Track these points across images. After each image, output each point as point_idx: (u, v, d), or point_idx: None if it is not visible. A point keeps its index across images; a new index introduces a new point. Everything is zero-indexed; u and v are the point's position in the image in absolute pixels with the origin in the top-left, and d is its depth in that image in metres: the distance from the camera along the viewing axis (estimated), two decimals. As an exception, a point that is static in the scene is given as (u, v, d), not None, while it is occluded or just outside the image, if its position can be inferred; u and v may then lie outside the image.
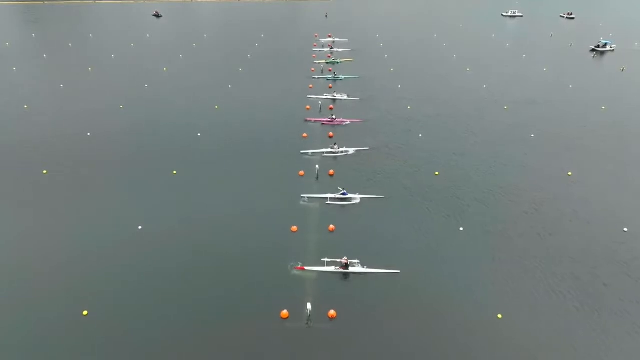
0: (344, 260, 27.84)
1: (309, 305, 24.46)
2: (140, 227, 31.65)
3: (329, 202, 34.79)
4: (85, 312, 24.75)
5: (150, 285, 26.79)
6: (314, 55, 75.53)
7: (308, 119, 49.84)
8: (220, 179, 38.06)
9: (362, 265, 28.04)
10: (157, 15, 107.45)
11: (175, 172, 39.03)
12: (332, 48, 79.37)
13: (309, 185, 36.95)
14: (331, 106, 53.49)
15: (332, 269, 27.90)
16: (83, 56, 74.56)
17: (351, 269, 27.84)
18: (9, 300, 25.68)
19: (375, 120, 49.55)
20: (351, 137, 45.29)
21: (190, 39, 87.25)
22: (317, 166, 38.91)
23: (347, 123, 48.87)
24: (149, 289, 26.60)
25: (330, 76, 64.17)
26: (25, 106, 52.90)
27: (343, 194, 35.05)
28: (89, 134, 45.99)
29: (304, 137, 45.79)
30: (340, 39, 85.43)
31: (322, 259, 28.19)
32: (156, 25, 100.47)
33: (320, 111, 52.00)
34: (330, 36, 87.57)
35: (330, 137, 45.72)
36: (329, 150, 42.36)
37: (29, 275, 27.45)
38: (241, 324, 24.31)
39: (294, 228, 31.70)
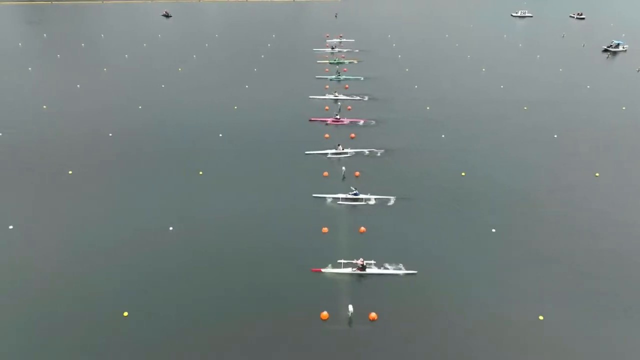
0: (359, 262, 27.72)
1: (350, 307, 24.37)
2: (171, 228, 31.58)
3: (340, 202, 34.73)
4: (125, 314, 24.69)
5: (186, 286, 26.72)
6: (326, 56, 75.36)
7: (313, 119, 49.72)
8: (243, 179, 38.05)
9: (379, 267, 27.91)
10: (167, 15, 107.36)
11: (201, 172, 38.97)
12: (333, 49, 78.83)
13: (335, 186, 36.78)
14: (349, 107, 53.35)
15: (348, 270, 27.75)
16: (96, 56, 74.54)
17: (368, 270, 27.67)
18: (49, 304, 25.56)
19: (395, 121, 49.40)
20: (372, 138, 45.25)
21: (201, 39, 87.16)
22: (343, 168, 38.79)
23: (360, 123, 48.87)
24: (184, 289, 26.53)
25: (333, 76, 64.00)
26: (44, 106, 52.86)
27: (355, 194, 34.98)
28: (110, 134, 45.91)
29: (326, 137, 45.69)
30: (347, 39, 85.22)
31: (338, 261, 28.12)
32: (166, 26, 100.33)
33: (339, 111, 51.87)
34: (341, 37, 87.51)
35: (352, 137, 45.65)
36: (334, 151, 42.14)
37: (67, 278, 27.41)
38: (282, 326, 24.22)
39: (325, 229, 31.64)
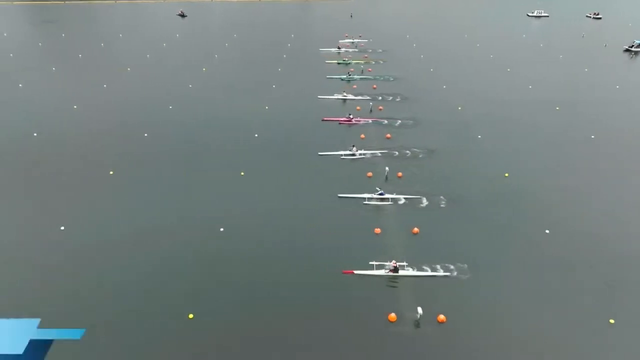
0: (392, 264, 27.53)
1: (419, 310, 24.16)
2: (222, 229, 31.41)
3: (366, 202, 34.54)
4: (191, 316, 24.52)
5: (246, 288, 26.51)
6: (350, 56, 75.21)
7: (326, 119, 49.59)
8: (276, 180, 37.83)
9: (412, 268, 27.67)
10: (182, 15, 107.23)
11: (243, 173, 38.80)
12: (340, 49, 78.50)
13: (361, 187, 36.54)
14: (381, 107, 53.15)
15: (381, 272, 27.53)
16: (118, 56, 74.43)
17: (401, 272, 27.44)
18: (117, 309, 25.37)
19: (429, 121, 49.18)
20: (408, 138, 45.08)
21: (220, 38, 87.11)
22: (386, 168, 38.60)
23: (369, 122, 48.96)
24: (244, 291, 26.33)
25: (344, 76, 63.83)
26: (75, 106, 52.71)
27: (380, 194, 34.84)
28: (145, 134, 45.74)
29: (362, 138, 45.51)
30: (360, 39, 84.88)
31: (370, 262, 27.92)
32: (183, 25, 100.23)
33: (370, 112, 51.74)
34: (360, 36, 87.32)
35: (388, 138, 45.48)
36: (347, 152, 41.88)
37: (129, 282, 27.23)
38: (349, 327, 24.05)
39: (378, 230, 31.47)
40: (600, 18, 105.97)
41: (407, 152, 42.46)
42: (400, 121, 49.03)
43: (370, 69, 67.79)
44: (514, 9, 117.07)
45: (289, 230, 31.57)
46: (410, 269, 27.67)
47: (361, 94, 56.97)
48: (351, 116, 49.50)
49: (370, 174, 38.82)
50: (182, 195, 35.54)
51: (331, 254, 29.16)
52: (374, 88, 59.80)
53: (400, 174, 38.64)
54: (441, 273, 27.46)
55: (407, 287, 26.73)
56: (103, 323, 23.93)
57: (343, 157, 41.71)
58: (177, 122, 48.82)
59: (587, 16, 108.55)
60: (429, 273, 27.49)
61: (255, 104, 53.60)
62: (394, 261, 27.68)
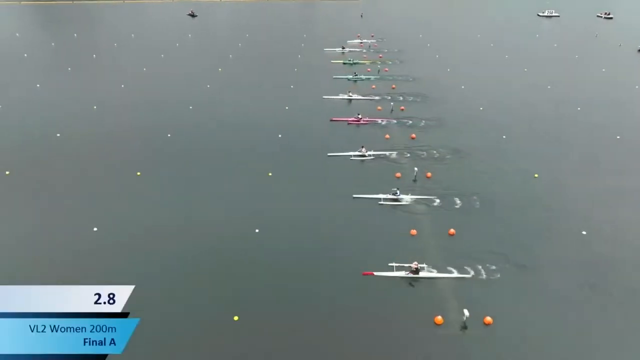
0: (414, 265, 27.27)
1: (466, 312, 23.94)
2: (257, 230, 31.20)
3: (381, 203, 34.36)
4: (236, 318, 24.32)
5: (284, 290, 26.32)
6: (365, 56, 75.06)
7: (334, 119, 49.36)
8: (304, 180, 37.65)
9: (434, 270, 27.43)
10: (192, 15, 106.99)
11: (270, 174, 38.58)
12: (344, 48, 78.16)
13: (409, 187, 36.46)
14: (402, 107, 52.91)
15: (402, 274, 27.28)
16: (132, 56, 74.17)
17: (422, 274, 27.20)
18: (164, 312, 25.11)
19: (452, 121, 48.97)
20: (432, 138, 44.89)
21: (232, 38, 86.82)
22: (415, 168, 38.39)
23: (383, 122, 48.94)
24: (280, 293, 26.15)
25: (350, 76, 63.57)
26: (95, 107, 52.51)
27: (395, 193, 34.70)
28: (169, 135, 45.52)
29: (387, 138, 45.34)
30: (368, 40, 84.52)
31: (390, 264, 27.70)
32: (193, 25, 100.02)
33: (391, 112, 51.57)
34: (373, 36, 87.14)
35: (413, 138, 45.29)
36: (357, 153, 41.59)
37: (166, 284, 27.05)
38: (394, 330, 23.89)
39: (414, 232, 31.27)
40: (611, 18, 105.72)
41: (434, 152, 42.17)
42: (424, 121, 48.74)
43: (386, 69, 67.58)
44: (524, 9, 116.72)
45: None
46: (435, 271, 27.42)
47: (369, 94, 56.78)
48: (360, 116, 49.24)
49: (398, 174, 38.62)
50: (212, 197, 35.35)
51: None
52: (393, 88, 59.57)
53: (429, 174, 38.42)
54: (467, 275, 27.18)
55: (440, 289, 26.53)
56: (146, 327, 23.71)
57: (353, 158, 41.43)
58: (199, 123, 48.59)
59: (597, 16, 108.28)
60: (455, 275, 27.22)
61: (275, 104, 53.40)
62: (415, 262, 27.45)
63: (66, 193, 35.60)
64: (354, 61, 71.35)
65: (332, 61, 72.02)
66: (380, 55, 74.98)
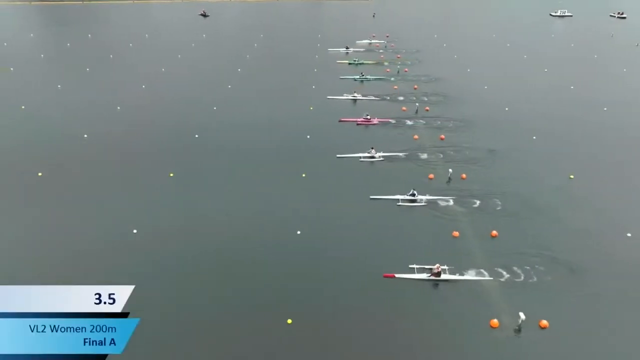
0: (436, 267, 27.07)
1: (522, 315, 23.69)
2: (299, 232, 30.96)
3: (399, 204, 34.17)
4: (289, 321, 24.09)
5: (334, 293, 26.10)
6: (382, 56, 74.87)
7: (343, 119, 49.16)
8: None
9: (454, 273, 27.20)
10: (204, 15, 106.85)
11: (304, 174, 38.37)
12: (347, 49, 77.98)
13: (443, 189, 36.27)
14: (427, 108, 52.67)
15: (423, 276, 27.05)
16: (148, 56, 74.00)
17: (443, 277, 26.97)
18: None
19: (479, 121, 48.70)
20: (461, 139, 44.68)
21: (247, 39, 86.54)
22: (450, 170, 38.14)
23: (393, 122, 48.82)
24: (330, 296, 25.93)
25: (357, 77, 63.31)
26: (118, 107, 52.30)
27: (412, 194, 34.50)
28: (196, 135, 45.33)
29: (415, 139, 45.12)
30: (383, 40, 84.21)
31: (410, 266, 27.52)
32: (206, 25, 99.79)
33: (416, 112, 51.33)
34: (388, 36, 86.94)
35: (442, 139, 45.05)
36: (366, 155, 41.28)
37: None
38: (450, 333, 23.68)
39: (456, 233, 31.03)
40: (625, 17, 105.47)
41: (464, 152, 42.02)
42: (453, 122, 48.42)
43: (406, 69, 67.33)
44: (536, 9, 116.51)
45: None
46: (458, 273, 27.20)
47: (374, 94, 56.57)
48: (368, 116, 49.00)
49: (431, 175, 38.39)
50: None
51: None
52: (416, 89, 59.33)
53: (464, 175, 38.17)
54: (517, 278, 26.86)
55: (487, 292, 26.24)
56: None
57: (362, 159, 41.12)
58: (224, 123, 48.34)
59: (611, 15, 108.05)
60: (486, 277, 26.96)
61: (298, 105, 53.22)
62: (437, 265, 27.24)
63: (99, 195, 35.38)
64: (359, 61, 71.08)
65: (337, 61, 71.80)
66: (399, 56, 74.73)
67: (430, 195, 34.94)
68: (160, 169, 38.86)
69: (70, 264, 27.89)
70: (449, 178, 37.66)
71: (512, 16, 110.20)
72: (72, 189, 36.11)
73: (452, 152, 42.25)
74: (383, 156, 41.27)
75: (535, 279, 26.83)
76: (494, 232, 30.97)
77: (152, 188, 36.36)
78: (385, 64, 70.71)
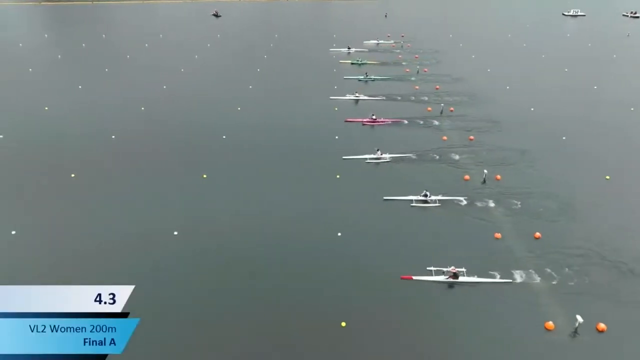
0: (452, 270, 26.90)
1: (579, 318, 23.51)
2: (339, 234, 30.82)
3: (413, 205, 34.08)
4: (343, 324, 23.92)
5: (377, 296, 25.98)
6: (400, 56, 74.65)
7: (348, 120, 48.99)
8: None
9: (472, 274, 27.00)
10: (216, 15, 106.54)
11: (338, 175, 38.22)
12: (349, 49, 77.55)
13: (477, 190, 36.10)
14: (452, 108, 52.44)
15: (440, 278, 26.90)
16: (165, 57, 73.64)
17: (461, 279, 26.82)
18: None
19: (506, 121, 48.48)
20: (490, 140, 44.47)
21: (262, 39, 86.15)
22: (485, 171, 37.95)
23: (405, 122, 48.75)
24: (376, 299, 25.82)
25: (362, 77, 63.12)
26: (142, 108, 52.13)
27: (424, 195, 34.34)
28: (224, 136, 45.17)
29: (444, 139, 44.92)
30: (386, 41, 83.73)
31: (428, 268, 27.37)
32: (219, 26, 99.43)
33: (441, 113, 51.11)
34: (403, 36, 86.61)
35: (471, 140, 44.86)
36: (372, 156, 41.00)
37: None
38: (506, 336, 23.49)
39: (498, 235, 30.84)
40: (638, 17, 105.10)
41: (495, 152, 41.87)
42: (478, 122, 48.30)
43: (426, 69, 67.09)
44: (548, 8, 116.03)
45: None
46: (475, 275, 26.99)
47: (376, 95, 56.45)
48: (374, 117, 48.78)
49: (467, 177, 38.21)
50: (290, 200, 35.07)
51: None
52: (437, 89, 59.12)
53: (498, 176, 37.99)
54: (546, 280, 26.72)
55: (537, 294, 26.14)
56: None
57: (368, 161, 40.82)
58: (250, 124, 48.11)
59: (623, 15, 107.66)
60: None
61: (323, 105, 53.05)
62: (452, 267, 27.05)
63: (135, 196, 35.25)
64: (362, 61, 70.84)
65: (340, 61, 71.49)
66: (416, 56, 74.36)
67: (443, 195, 34.83)
68: (193, 170, 38.75)
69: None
70: (484, 179, 37.48)
71: (525, 16, 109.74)
72: (103, 190, 36.08)
73: (483, 153, 42.09)
74: (392, 157, 40.92)
75: (587, 280, 26.67)
76: (537, 234, 30.78)
77: (189, 189, 36.23)
78: (404, 63, 70.45)
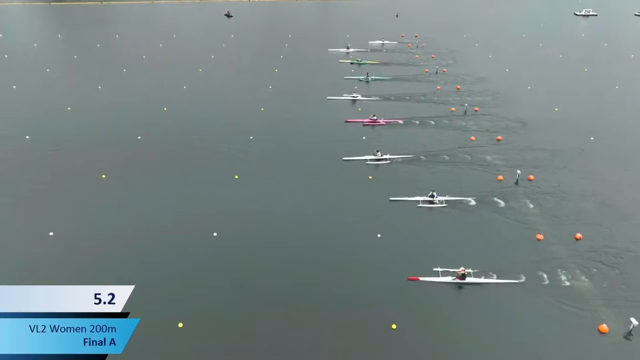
0: (460, 271, 26.73)
1: (633, 320, 23.32)
2: (379, 235, 30.62)
3: (420, 205, 33.97)
4: (394, 326, 23.77)
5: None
6: (417, 56, 74.44)
7: (348, 120, 48.84)
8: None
9: (480, 276, 26.86)
10: (228, 15, 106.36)
11: (370, 177, 38.09)
12: (348, 48, 77.15)
13: (510, 191, 35.96)
14: (476, 108, 52.23)
15: (448, 279, 26.75)
16: (181, 57, 73.40)
17: (468, 280, 26.68)
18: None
19: (531, 121, 48.30)
20: (518, 140, 44.29)
21: (276, 39, 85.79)
22: (518, 171, 37.76)
23: (401, 122, 48.45)
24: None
25: (362, 77, 62.95)
26: (165, 108, 51.97)
27: (431, 195, 34.25)
28: (251, 137, 45.04)
29: (472, 140, 44.73)
30: (390, 41, 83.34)
31: (434, 269, 27.26)
32: (231, 26, 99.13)
33: (465, 113, 50.92)
34: (417, 36, 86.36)
35: (499, 140, 44.67)
36: (372, 157, 40.75)
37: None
38: (558, 339, 23.32)
39: (540, 236, 30.66)
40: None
41: (524, 153, 41.78)
42: (504, 122, 48.24)
43: (444, 69, 66.87)
44: (560, 8, 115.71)
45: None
46: (482, 276, 26.87)
47: (375, 95, 56.36)
48: (375, 117, 48.58)
49: (500, 177, 38.03)
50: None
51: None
52: (458, 89, 58.93)
53: (531, 177, 37.81)
54: (593, 281, 26.63)
55: (583, 296, 25.92)
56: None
57: (368, 162, 40.55)
58: (272, 124, 48.03)
59: (635, 15, 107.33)
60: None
61: (343, 105, 52.92)
62: (462, 268, 26.86)
63: (172, 196, 35.13)
64: (362, 61, 70.62)
65: (339, 61, 71.47)
66: (433, 56, 74.16)
67: (450, 196, 34.70)
68: (224, 170, 38.65)
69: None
70: (517, 180, 37.30)
71: (537, 16, 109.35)
72: (135, 191, 36.20)
73: (513, 153, 41.94)
74: (389, 158, 40.59)
75: (637, 281, 26.44)
76: (579, 235, 30.59)
77: (221, 191, 36.09)
78: (422, 64, 70.17)
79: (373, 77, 62.71)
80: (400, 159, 40.67)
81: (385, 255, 28.87)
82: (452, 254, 28.60)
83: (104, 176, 37.76)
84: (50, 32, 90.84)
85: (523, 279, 26.74)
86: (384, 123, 48.01)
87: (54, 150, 41.94)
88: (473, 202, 34.18)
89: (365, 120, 48.52)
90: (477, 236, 30.80)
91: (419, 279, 26.79)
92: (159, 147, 43.09)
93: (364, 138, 45.07)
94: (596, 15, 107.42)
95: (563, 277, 26.96)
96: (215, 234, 30.79)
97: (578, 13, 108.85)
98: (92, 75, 63.56)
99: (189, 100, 54.73)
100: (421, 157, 41.23)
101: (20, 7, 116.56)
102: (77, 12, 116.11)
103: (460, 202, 34.30)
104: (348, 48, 77.49)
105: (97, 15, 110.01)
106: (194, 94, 56.64)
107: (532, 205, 33.97)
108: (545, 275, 27.10)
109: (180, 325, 23.95)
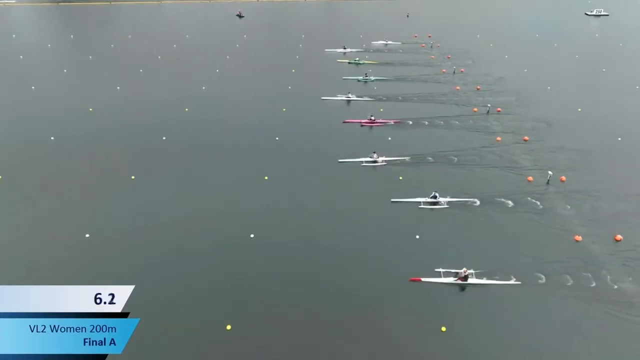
0: (463, 271, 26.57)
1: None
2: (418, 236, 30.43)
3: (422, 207, 33.79)
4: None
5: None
6: (433, 57, 74.26)
7: (347, 120, 48.67)
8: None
9: (484, 276, 26.73)
10: (240, 16, 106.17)
11: (401, 178, 37.90)
12: (345, 49, 76.99)
13: (543, 191, 35.79)
14: (499, 109, 52.01)
15: (450, 280, 26.61)
16: (196, 57, 73.11)
17: (470, 281, 26.55)
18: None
19: (554, 123, 48.08)
20: (544, 140, 44.11)
21: (289, 40, 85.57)
22: (549, 172, 37.57)
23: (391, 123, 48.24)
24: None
25: (361, 77, 62.77)
26: (186, 109, 51.80)
27: (433, 197, 34.08)
28: (277, 138, 44.88)
29: (498, 140, 44.56)
30: (393, 41, 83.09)
31: (436, 269, 27.16)
32: (244, 26, 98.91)
33: (488, 113, 50.73)
34: (430, 36, 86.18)
35: (526, 140, 44.48)
36: (368, 159, 40.38)
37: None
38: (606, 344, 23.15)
39: (578, 237, 30.46)
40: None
41: (552, 153, 41.54)
42: (528, 123, 48.05)
43: (462, 69, 66.67)
44: (570, 8, 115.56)
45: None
46: (485, 277, 26.74)
47: (374, 95, 56.24)
48: (373, 117, 48.41)
49: (530, 178, 37.86)
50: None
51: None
52: (478, 89, 58.75)
53: (563, 177, 37.63)
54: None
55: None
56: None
57: (364, 164, 40.20)
58: (294, 126, 47.81)
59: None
60: (512, 282, 26.64)
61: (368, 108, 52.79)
62: (464, 269, 26.74)
63: (207, 199, 34.98)
64: (360, 61, 70.42)
65: (338, 60, 71.44)
66: (449, 56, 73.87)
67: (452, 197, 34.50)
68: (255, 173, 38.49)
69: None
70: (548, 180, 37.11)
71: (548, 16, 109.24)
72: (161, 191, 36.13)
73: (541, 154, 41.74)
74: (385, 161, 40.19)
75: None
76: (619, 236, 30.39)
77: (250, 193, 35.94)
78: (438, 64, 70.00)
79: (370, 77, 62.17)
80: (409, 160, 40.64)
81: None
82: (482, 254, 28.61)
83: (133, 177, 37.59)
84: (62, 32, 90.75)
85: (567, 281, 26.67)
86: (383, 123, 47.93)
87: (80, 152, 41.84)
88: (477, 203, 33.96)
89: (363, 120, 48.07)
90: (509, 238, 30.81)
91: (421, 280, 26.76)
92: (181, 147, 43.03)
93: (389, 139, 44.92)
94: (607, 15, 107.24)
95: (607, 278, 26.73)
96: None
97: (589, 13, 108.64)
98: (110, 76, 63.35)
99: (210, 101, 54.53)
100: (451, 157, 41.11)
101: (29, 7, 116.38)
102: (86, 12, 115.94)
103: (466, 203, 34.15)
104: (345, 48, 76.90)
105: (107, 15, 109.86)
106: (214, 95, 56.46)
107: (569, 206, 33.76)
108: (590, 275, 26.92)
109: (229, 327, 23.72)
